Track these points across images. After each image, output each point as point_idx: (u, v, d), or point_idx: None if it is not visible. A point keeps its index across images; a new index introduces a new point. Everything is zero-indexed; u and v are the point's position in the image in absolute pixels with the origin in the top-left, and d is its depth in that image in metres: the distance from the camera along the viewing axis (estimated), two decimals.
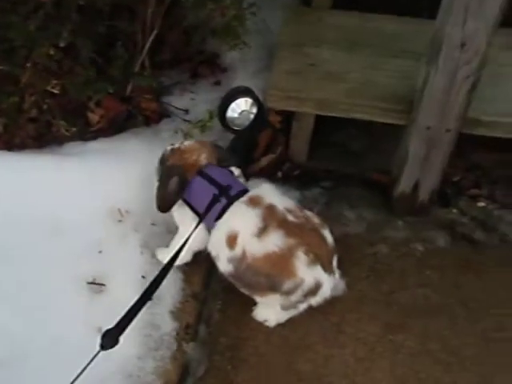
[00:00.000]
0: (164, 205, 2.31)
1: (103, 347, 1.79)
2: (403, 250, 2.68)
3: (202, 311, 2.43)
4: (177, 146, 2.36)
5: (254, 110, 2.65)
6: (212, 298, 2.50)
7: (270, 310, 2.37)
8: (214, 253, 2.26)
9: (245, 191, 2.28)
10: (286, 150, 2.97)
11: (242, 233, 2.16)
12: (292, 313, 2.33)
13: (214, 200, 2.23)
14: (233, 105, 2.63)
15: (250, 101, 2.62)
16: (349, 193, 2.90)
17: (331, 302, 2.31)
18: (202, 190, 2.26)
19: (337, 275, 2.27)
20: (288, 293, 2.19)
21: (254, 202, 2.21)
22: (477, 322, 2.45)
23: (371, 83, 2.62)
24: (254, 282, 2.21)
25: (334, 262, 2.26)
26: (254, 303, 2.41)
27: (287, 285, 2.16)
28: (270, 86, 2.63)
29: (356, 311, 2.46)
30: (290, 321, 2.38)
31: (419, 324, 2.43)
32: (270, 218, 2.16)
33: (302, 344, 2.36)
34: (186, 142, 2.37)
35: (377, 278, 2.57)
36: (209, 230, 2.29)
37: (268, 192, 2.28)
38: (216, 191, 2.24)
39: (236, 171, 2.41)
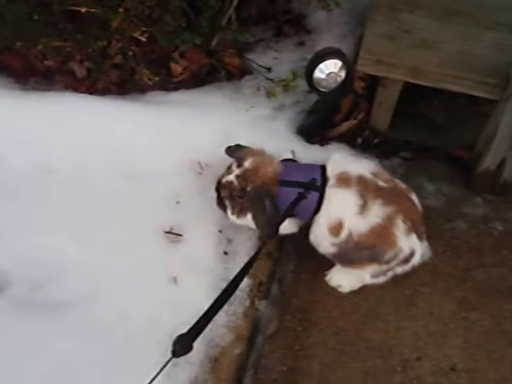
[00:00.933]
0: (272, 229, 2.14)
1: (175, 354, 1.67)
2: (482, 227, 2.62)
3: (275, 271, 2.44)
4: (237, 170, 2.20)
5: (343, 74, 2.58)
6: (285, 258, 2.50)
7: (344, 276, 2.36)
8: (315, 242, 2.25)
9: (324, 172, 2.21)
10: (367, 117, 2.92)
11: (346, 217, 2.12)
12: (380, 280, 2.30)
13: (300, 197, 2.16)
14: (321, 65, 2.57)
15: (339, 63, 2.56)
16: (429, 166, 2.84)
17: (405, 274, 2.29)
18: (291, 196, 2.18)
19: (425, 242, 2.24)
20: (387, 262, 2.17)
21: (344, 181, 2.15)
22: None
23: (465, 54, 2.53)
24: (357, 256, 2.18)
25: (423, 228, 2.22)
26: (328, 268, 2.40)
27: (388, 255, 2.14)
28: (363, 49, 2.57)
29: (430, 285, 2.43)
30: (362, 289, 2.37)
31: (494, 304, 2.38)
32: (366, 191, 2.12)
33: (373, 313, 2.34)
34: (247, 162, 2.20)
35: (453, 254, 2.53)
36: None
37: (347, 163, 2.23)
38: (301, 190, 2.17)
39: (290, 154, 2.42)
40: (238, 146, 2.29)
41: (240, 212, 2.23)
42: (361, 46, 2.61)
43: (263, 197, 2.09)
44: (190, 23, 2.77)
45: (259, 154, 2.24)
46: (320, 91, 2.63)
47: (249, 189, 2.17)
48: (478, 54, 2.54)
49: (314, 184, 2.17)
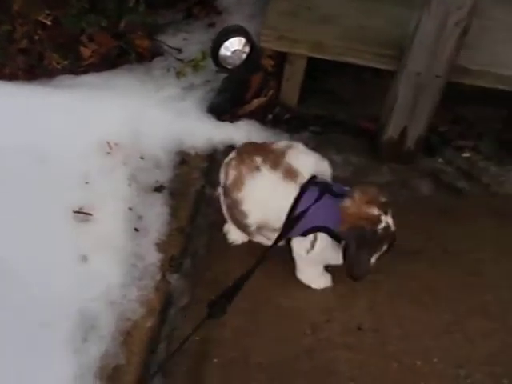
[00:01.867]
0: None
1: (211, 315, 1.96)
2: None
3: (187, 245, 2.48)
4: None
5: (247, 50, 2.65)
6: (198, 233, 2.54)
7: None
8: None
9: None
10: (277, 93, 2.98)
11: None
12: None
13: None
14: (226, 43, 2.63)
15: (243, 40, 2.62)
16: (337, 138, 2.93)
17: None
18: None
19: None
20: None
21: None
22: (456, 266, 2.52)
23: (365, 28, 2.64)
24: None
25: None
26: None
27: None
28: (264, 25, 2.64)
29: None
30: (274, 257, 2.43)
31: (399, 266, 2.48)
32: None
33: (284, 280, 2.40)
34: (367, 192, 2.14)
35: None
36: None
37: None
38: None
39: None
40: None
41: None
42: (263, 22, 2.67)
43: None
44: (96, 5, 2.77)
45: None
46: (226, 68, 2.69)
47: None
48: (376, 27, 2.65)
49: None
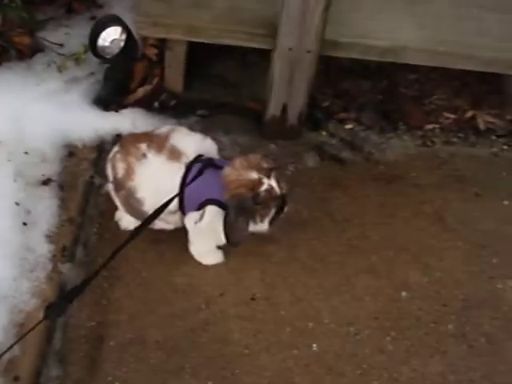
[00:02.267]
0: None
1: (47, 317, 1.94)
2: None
3: (79, 235, 2.49)
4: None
5: (124, 38, 2.68)
6: (89, 222, 2.55)
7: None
8: None
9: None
10: (162, 81, 3.02)
11: None
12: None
13: None
14: (103, 34, 2.65)
15: (119, 29, 2.65)
16: (224, 120, 3.00)
17: None
18: None
19: None
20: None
21: None
22: (342, 232, 2.64)
23: (237, 9, 2.71)
24: None
25: None
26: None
27: None
28: (137, 12, 2.67)
29: None
30: (166, 238, 2.48)
31: (289, 235, 2.58)
32: None
33: (177, 259, 2.46)
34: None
35: None
36: None
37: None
38: None
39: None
40: None
41: None
42: (137, 10, 2.71)
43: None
44: None
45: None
46: (106, 58, 2.71)
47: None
48: (249, 8, 2.73)
49: None
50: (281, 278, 2.46)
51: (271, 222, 2.26)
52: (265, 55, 2.80)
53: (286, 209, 2.27)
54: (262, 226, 2.26)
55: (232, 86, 3.16)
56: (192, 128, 2.84)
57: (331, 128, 3.02)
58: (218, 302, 2.36)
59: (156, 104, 2.97)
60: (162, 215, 2.27)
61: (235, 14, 2.69)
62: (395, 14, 2.78)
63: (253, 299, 2.38)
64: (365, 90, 3.20)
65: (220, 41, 2.67)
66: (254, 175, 2.15)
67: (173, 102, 3.00)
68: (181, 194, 2.25)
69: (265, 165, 2.20)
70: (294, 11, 2.42)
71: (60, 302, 2.00)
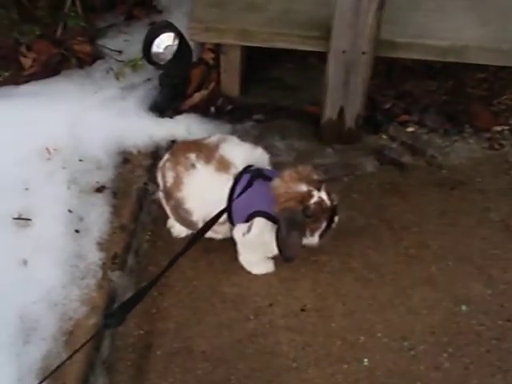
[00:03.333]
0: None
1: (106, 326, 1.89)
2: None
3: (130, 242, 2.49)
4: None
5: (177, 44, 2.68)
6: (141, 229, 2.56)
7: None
8: None
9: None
10: (218, 86, 3.00)
11: None
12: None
13: None
14: (157, 40, 2.65)
15: (172, 35, 2.64)
16: (281, 125, 2.94)
17: None
18: None
19: None
20: None
21: None
22: (400, 241, 2.53)
23: (290, 12, 2.65)
24: None
25: None
26: None
27: None
28: (191, 18, 2.66)
29: None
30: (216, 248, 2.45)
31: (343, 244, 2.49)
32: None
33: (227, 269, 2.43)
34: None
35: None
36: None
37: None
38: None
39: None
40: None
41: None
42: (190, 16, 2.69)
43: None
44: (28, 14, 2.81)
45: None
46: (160, 65, 2.71)
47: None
48: (302, 10, 2.67)
49: None
50: (333, 288, 2.37)
51: (321, 235, 2.18)
52: (324, 57, 2.73)
53: (336, 221, 2.19)
54: (312, 240, 2.18)
55: (290, 89, 3.09)
56: (248, 133, 2.84)
57: (392, 131, 2.90)
58: (267, 312, 2.31)
59: (212, 109, 2.95)
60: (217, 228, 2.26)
61: (288, 16, 2.63)
62: (456, 12, 2.64)
63: (303, 310, 2.32)
64: (429, 90, 3.06)
65: (273, 44, 2.62)
66: (304, 188, 2.08)
67: (229, 107, 2.97)
68: (229, 206, 2.22)
69: (315, 177, 2.12)
70: (346, 11, 2.33)
71: (119, 312, 1.97)
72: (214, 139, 2.33)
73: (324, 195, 2.10)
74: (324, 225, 2.15)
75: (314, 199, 2.08)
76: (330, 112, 2.71)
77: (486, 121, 2.96)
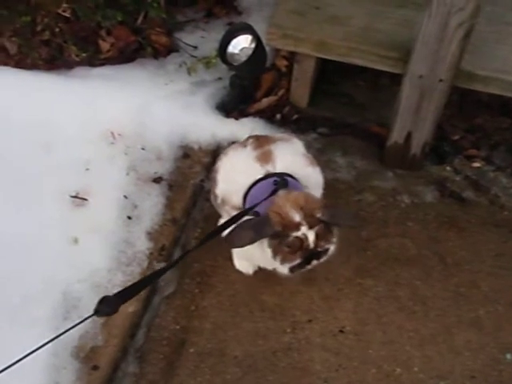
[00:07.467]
0: None
1: (97, 312, 1.61)
2: (389, 200, 2.68)
3: (179, 236, 2.50)
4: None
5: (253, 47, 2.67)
6: (192, 225, 2.57)
7: None
8: None
9: None
10: (287, 93, 2.98)
11: None
12: None
13: None
14: (234, 41, 2.65)
15: (249, 37, 2.64)
16: (344, 141, 2.89)
17: None
18: None
19: None
20: None
21: None
22: (450, 277, 2.45)
23: (372, 29, 2.60)
24: None
25: None
26: None
27: None
28: (270, 23, 2.65)
29: None
30: None
31: (391, 271, 2.45)
32: None
33: (271, 277, 2.39)
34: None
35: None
36: None
37: None
38: None
39: None
40: None
41: None
42: (270, 21, 2.68)
43: None
44: (113, 0, 2.85)
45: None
46: (233, 65, 2.71)
47: None
48: (384, 29, 2.61)
49: None
50: (375, 314, 2.32)
51: (292, 270, 2.01)
52: (396, 79, 2.68)
53: (314, 264, 2.01)
54: (282, 269, 2.03)
55: (359, 107, 3.04)
56: (310, 145, 2.80)
57: (457, 164, 2.82)
58: (305, 328, 2.28)
59: (278, 116, 2.93)
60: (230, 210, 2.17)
61: (368, 33, 2.58)
62: None
63: (341, 331, 2.28)
64: (501, 127, 2.96)
65: (349, 60, 2.58)
66: (297, 218, 1.91)
67: (295, 117, 2.95)
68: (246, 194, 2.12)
69: (317, 214, 1.95)
70: (430, 37, 2.27)
71: (113, 299, 1.66)
72: (279, 135, 2.34)
73: (311, 235, 1.93)
74: (297, 261, 1.98)
75: (298, 234, 1.92)
76: (397, 135, 2.65)
77: None
